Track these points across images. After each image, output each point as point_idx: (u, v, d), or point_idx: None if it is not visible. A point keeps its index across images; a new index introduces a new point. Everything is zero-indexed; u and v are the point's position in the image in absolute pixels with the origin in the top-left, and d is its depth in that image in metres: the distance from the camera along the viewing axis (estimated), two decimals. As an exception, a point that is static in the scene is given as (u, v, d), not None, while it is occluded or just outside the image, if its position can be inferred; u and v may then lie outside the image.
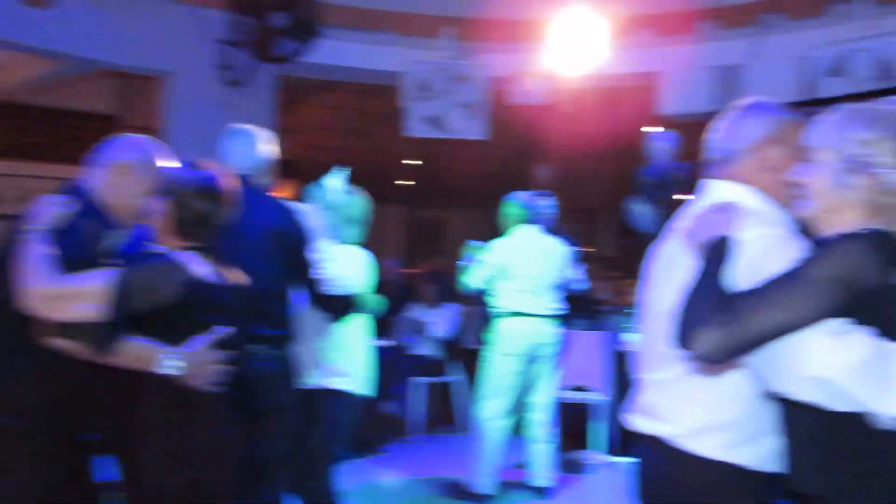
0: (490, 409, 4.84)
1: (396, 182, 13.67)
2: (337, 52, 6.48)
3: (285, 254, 3.09)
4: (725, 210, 1.72)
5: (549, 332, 4.89)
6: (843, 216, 1.60)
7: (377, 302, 3.75)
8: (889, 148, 1.56)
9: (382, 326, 6.90)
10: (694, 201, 1.96)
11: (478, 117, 6.72)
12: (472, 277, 4.98)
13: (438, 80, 6.73)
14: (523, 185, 5.61)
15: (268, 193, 3.21)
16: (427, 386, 6.77)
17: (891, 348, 1.48)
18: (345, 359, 3.53)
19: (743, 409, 1.73)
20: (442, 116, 6.77)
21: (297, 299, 3.19)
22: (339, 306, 3.31)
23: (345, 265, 3.46)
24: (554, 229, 5.34)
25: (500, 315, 4.91)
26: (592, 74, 6.32)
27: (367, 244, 3.83)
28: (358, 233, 3.73)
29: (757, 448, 1.73)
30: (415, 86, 6.75)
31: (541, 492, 4.95)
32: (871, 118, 1.61)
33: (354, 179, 3.82)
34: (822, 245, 1.58)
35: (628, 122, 7.05)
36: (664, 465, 1.80)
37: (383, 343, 6.20)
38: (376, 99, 7.99)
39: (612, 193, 8.33)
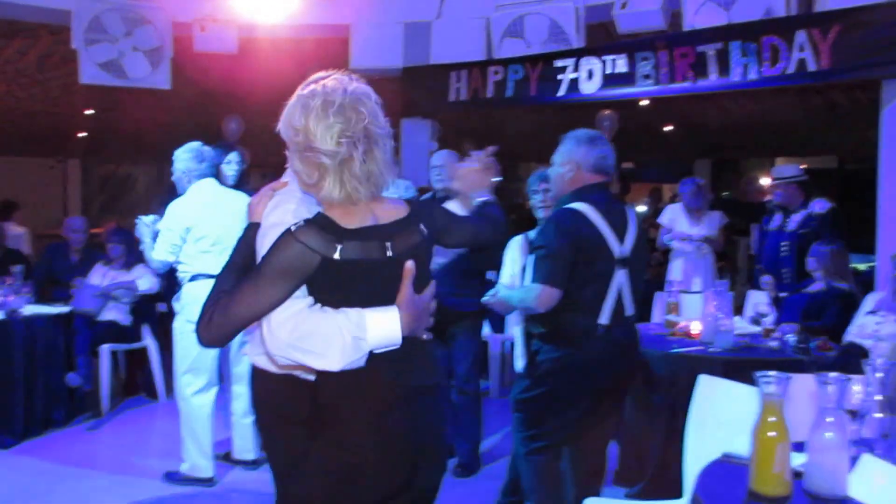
0: (190, 384, 4.42)
1: (78, 134, 12.45)
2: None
3: None
4: (266, 192, 2.03)
5: None
6: (316, 188, 1.85)
7: None
8: (322, 132, 1.80)
9: (60, 291, 6.30)
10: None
11: (160, 64, 6.26)
12: (158, 251, 4.40)
13: (113, 22, 6.14)
14: (212, 138, 5.30)
15: None
16: (117, 354, 6.32)
17: (329, 317, 1.78)
18: None
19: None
20: (119, 62, 6.20)
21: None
22: None
23: None
24: (239, 183, 5.07)
25: (186, 279, 4.45)
26: (282, 24, 6.15)
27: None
28: None
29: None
30: (86, 27, 6.11)
31: (252, 464, 4.66)
32: (305, 106, 1.83)
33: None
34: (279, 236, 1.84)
35: (321, 75, 6.98)
36: (251, 377, 2.11)
37: (59, 310, 5.65)
38: (47, 40, 7.14)
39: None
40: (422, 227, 1.93)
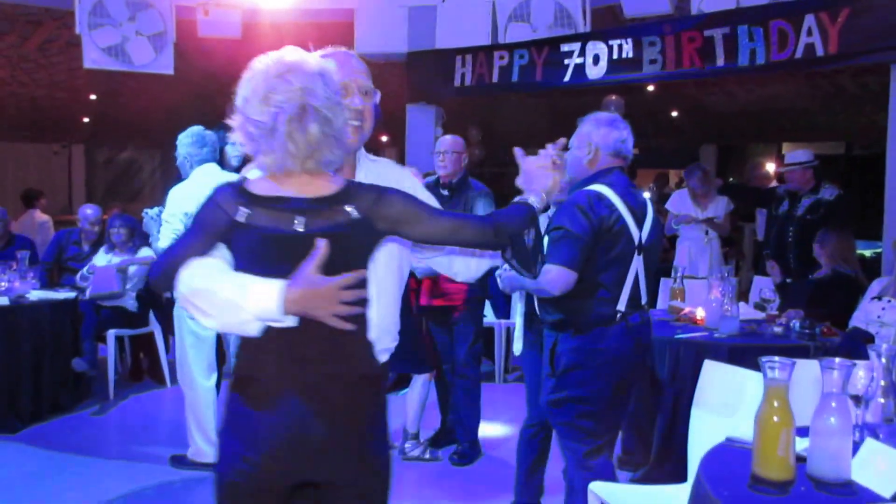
0: (191, 370, 4.41)
1: (83, 119, 12.46)
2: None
3: None
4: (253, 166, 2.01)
5: None
6: (254, 156, 1.88)
7: None
8: (255, 102, 1.79)
9: (69, 278, 6.32)
10: None
11: (163, 49, 6.24)
12: (163, 240, 4.29)
13: (116, 7, 6.12)
14: (216, 123, 5.26)
15: None
16: (124, 340, 6.33)
17: (220, 277, 1.79)
18: None
19: None
20: (123, 47, 6.19)
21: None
22: None
23: None
24: (244, 166, 5.03)
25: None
26: (286, 8, 6.12)
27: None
28: None
29: None
30: (90, 11, 6.09)
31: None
32: (247, 78, 1.82)
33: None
34: None
35: (326, 60, 6.97)
36: None
37: (65, 295, 5.66)
38: (50, 25, 7.14)
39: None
40: (348, 208, 1.81)
